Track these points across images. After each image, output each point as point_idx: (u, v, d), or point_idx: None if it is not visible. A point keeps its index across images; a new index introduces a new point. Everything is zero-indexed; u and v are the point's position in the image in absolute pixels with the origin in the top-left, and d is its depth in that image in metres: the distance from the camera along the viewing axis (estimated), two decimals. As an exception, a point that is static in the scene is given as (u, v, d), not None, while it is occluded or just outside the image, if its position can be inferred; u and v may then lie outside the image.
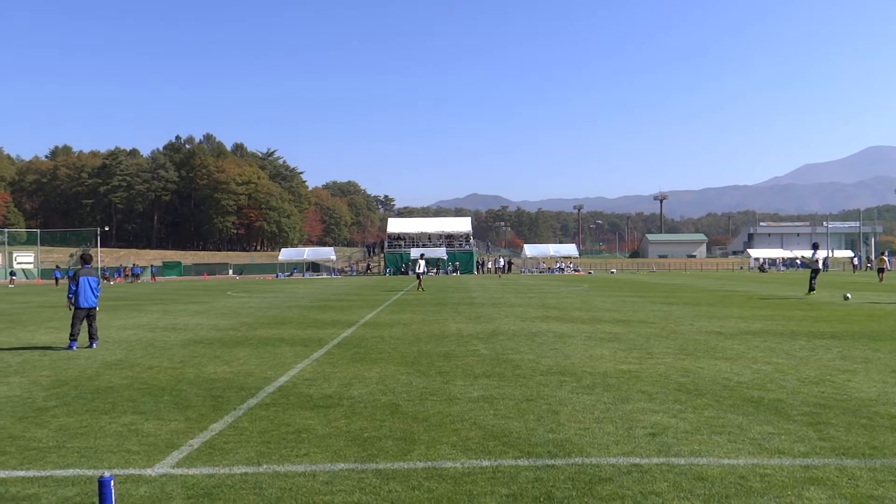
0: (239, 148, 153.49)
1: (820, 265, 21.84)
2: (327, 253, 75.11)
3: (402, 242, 72.43)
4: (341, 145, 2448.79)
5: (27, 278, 64.08)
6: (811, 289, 21.38)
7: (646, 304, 18.81)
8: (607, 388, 6.86)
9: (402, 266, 68.58)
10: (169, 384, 7.39)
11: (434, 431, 5.33)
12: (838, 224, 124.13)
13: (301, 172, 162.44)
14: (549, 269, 72.81)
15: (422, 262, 30.09)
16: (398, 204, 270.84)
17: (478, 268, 70.41)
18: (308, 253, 73.68)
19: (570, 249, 76.74)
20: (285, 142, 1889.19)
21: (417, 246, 71.58)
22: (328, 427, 5.50)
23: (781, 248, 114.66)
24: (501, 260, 56.19)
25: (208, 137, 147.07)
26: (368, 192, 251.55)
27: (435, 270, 66.42)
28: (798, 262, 30.03)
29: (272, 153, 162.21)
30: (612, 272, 72.73)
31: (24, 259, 68.88)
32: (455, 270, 66.97)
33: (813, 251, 21.98)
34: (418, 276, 29.48)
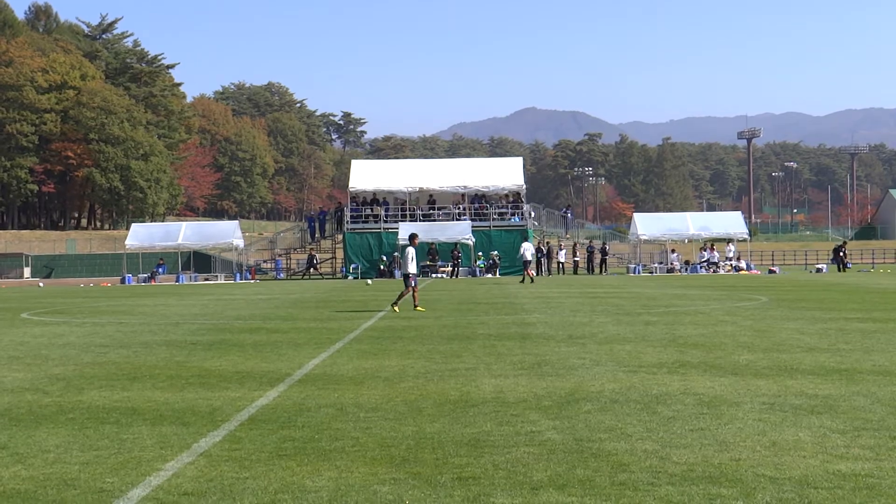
0: (43, 15, 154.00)
1: None
2: (226, 232, 75.40)
3: (384, 210, 72.43)
4: (257, 19, 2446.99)
5: None
6: None
7: (888, 337, 18.73)
8: (808, 509, 6.88)
9: (380, 260, 68.56)
10: None
11: None
12: None
13: (172, 66, 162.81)
14: (686, 263, 72.53)
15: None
16: (372, 131, 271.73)
17: (539, 262, 70.20)
18: (187, 233, 73.94)
19: (730, 222, 76.52)
20: (136, 5, 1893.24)
21: (412, 218, 71.57)
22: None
23: None
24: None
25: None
26: (310, 106, 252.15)
27: (451, 267, 66.36)
28: None
29: (110, 26, 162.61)
30: (818, 269, 72.19)
31: None
32: (491, 268, 67.10)
33: None
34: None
